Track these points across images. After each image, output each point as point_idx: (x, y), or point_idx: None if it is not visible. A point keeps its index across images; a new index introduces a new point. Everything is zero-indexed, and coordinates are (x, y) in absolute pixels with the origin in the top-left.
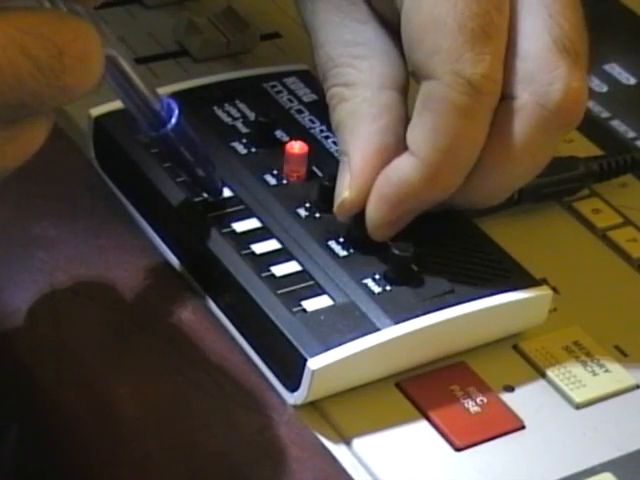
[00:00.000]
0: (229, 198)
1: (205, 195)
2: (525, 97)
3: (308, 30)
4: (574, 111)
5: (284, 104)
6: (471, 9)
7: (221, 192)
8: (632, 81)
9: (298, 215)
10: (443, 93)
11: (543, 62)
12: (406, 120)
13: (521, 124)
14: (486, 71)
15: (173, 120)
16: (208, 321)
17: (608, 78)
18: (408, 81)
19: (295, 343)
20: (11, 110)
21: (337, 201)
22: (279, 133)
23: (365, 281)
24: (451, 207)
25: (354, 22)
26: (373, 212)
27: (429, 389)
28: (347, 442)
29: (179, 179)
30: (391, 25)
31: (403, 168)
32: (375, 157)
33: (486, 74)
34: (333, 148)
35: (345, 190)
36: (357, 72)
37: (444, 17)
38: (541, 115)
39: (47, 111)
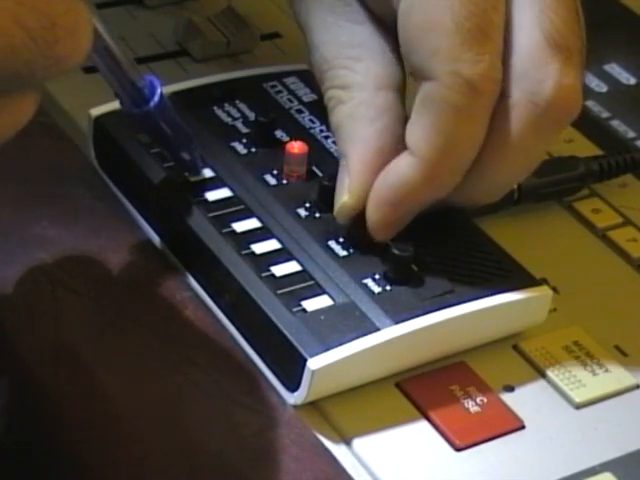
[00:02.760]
0: (229, 198)
1: (186, 174)
2: (517, 95)
3: (303, 31)
4: (566, 108)
5: (284, 104)
6: (468, 9)
7: (200, 170)
8: (632, 81)
9: (298, 215)
10: (442, 94)
11: (534, 59)
12: (404, 119)
13: (514, 122)
14: (485, 71)
15: (156, 98)
16: (208, 321)
17: (608, 78)
18: (405, 79)
19: (295, 343)
20: (4, 81)
21: (337, 205)
22: (279, 133)
23: (365, 281)
24: (449, 205)
25: (349, 23)
26: (374, 214)
27: (429, 389)
28: (347, 442)
29: (180, 179)
30: (386, 24)
31: (402, 167)
32: (373, 160)
33: (485, 74)
34: (333, 148)
35: (344, 194)
36: (353, 74)
37: (441, 18)
38: (533, 112)
39: (37, 83)
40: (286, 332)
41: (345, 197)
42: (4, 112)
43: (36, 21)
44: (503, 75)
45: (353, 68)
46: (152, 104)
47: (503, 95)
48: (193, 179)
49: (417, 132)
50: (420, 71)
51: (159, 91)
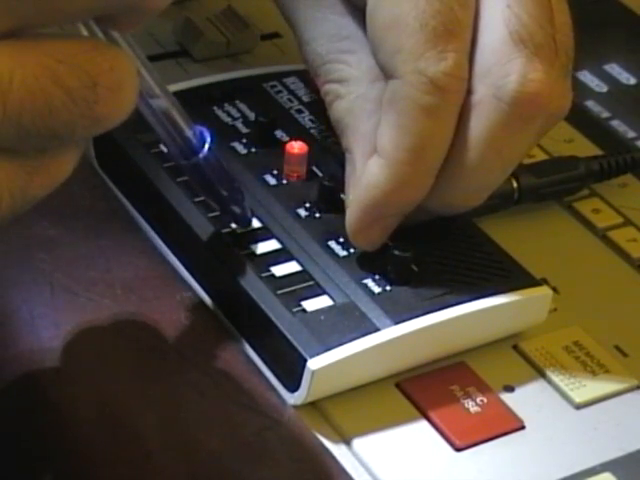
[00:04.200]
0: None
1: (234, 226)
2: (481, 91)
3: (291, 27)
4: (535, 103)
5: (284, 104)
6: (433, 7)
7: (250, 222)
8: (632, 81)
9: (298, 215)
10: (406, 93)
11: (498, 54)
12: None
13: (480, 119)
14: (449, 69)
15: (205, 150)
16: (208, 321)
17: (608, 78)
18: None
19: (295, 343)
20: (42, 140)
21: (346, 201)
22: (279, 133)
23: (365, 281)
24: (434, 213)
25: (336, 16)
26: (348, 216)
27: (429, 389)
28: (347, 442)
29: (179, 179)
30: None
31: (372, 168)
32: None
33: (449, 72)
34: (333, 148)
35: (351, 192)
36: (348, 67)
37: (405, 16)
38: (498, 108)
39: (77, 141)
40: (286, 332)
41: (352, 195)
42: (41, 172)
43: (77, 80)
44: (469, 72)
45: (347, 61)
46: (201, 156)
47: (468, 92)
48: (240, 231)
49: (383, 132)
50: (385, 69)
51: (209, 143)
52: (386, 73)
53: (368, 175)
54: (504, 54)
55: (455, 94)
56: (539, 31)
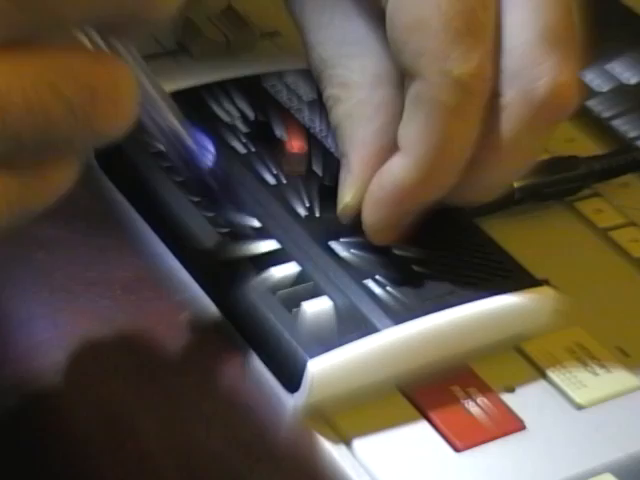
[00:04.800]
0: None
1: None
2: (510, 94)
3: (299, 31)
4: (561, 105)
5: (284, 103)
6: (454, 7)
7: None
8: (633, 80)
9: (298, 215)
10: (432, 94)
11: (528, 57)
12: None
13: (508, 121)
14: (474, 70)
15: (208, 161)
16: (207, 321)
17: (609, 78)
18: (403, 74)
19: (295, 344)
20: (41, 152)
21: (340, 206)
22: (279, 132)
23: (365, 282)
24: (444, 205)
25: (343, 20)
26: (369, 216)
27: (429, 390)
28: (347, 443)
29: (179, 179)
30: (380, 19)
31: (395, 168)
32: (374, 159)
33: (474, 73)
34: (333, 148)
35: (346, 195)
36: (349, 73)
37: (428, 17)
38: (527, 112)
39: (77, 152)
40: (286, 333)
41: (347, 198)
42: (40, 183)
43: (76, 92)
44: (496, 74)
45: (349, 67)
46: (204, 167)
47: (496, 94)
48: (239, 231)
49: (409, 132)
50: (409, 71)
51: (213, 154)
52: (409, 74)
53: (390, 174)
54: (534, 57)
55: (480, 94)
56: (566, 34)
